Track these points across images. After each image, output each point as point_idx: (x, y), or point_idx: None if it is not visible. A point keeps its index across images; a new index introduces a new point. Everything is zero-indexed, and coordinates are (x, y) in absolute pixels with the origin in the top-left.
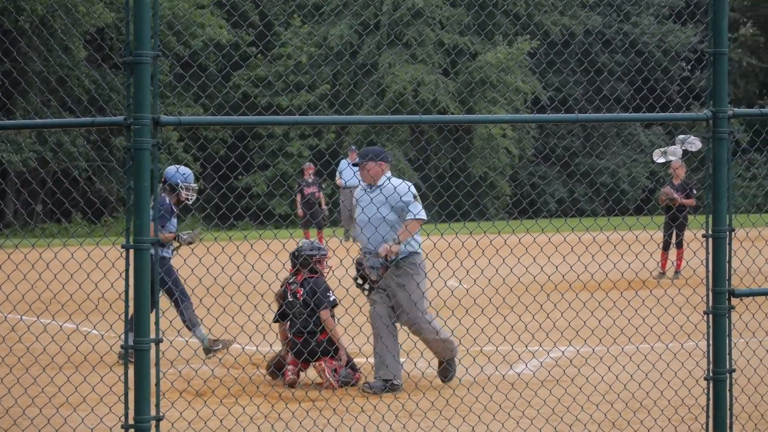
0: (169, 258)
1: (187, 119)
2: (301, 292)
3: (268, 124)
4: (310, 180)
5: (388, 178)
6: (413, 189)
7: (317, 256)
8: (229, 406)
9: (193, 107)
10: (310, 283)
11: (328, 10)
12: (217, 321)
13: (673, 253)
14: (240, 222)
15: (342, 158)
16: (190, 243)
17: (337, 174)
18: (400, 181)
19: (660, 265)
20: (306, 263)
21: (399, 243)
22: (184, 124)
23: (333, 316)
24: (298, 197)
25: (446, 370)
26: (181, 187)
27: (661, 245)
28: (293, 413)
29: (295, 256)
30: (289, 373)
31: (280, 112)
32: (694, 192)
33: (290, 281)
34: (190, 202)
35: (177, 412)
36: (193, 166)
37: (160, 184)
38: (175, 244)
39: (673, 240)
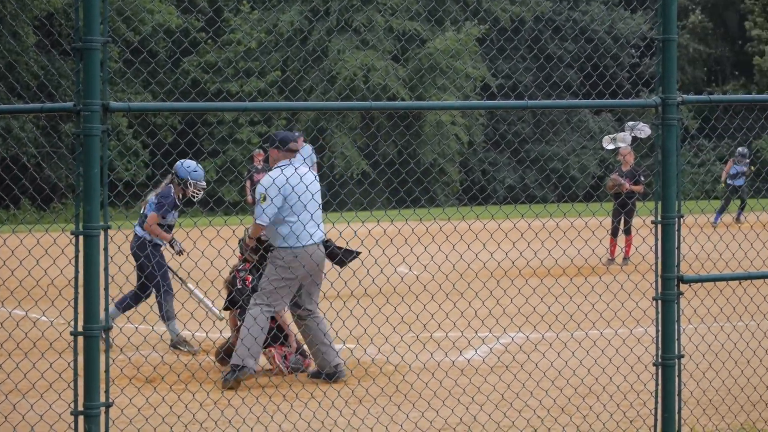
0: (162, 246)
1: (136, 105)
2: (251, 279)
3: (218, 111)
4: (259, 166)
5: (280, 167)
6: (262, 188)
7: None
8: (179, 393)
9: (142, 94)
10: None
11: None
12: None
13: (621, 239)
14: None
15: None
16: (179, 253)
17: None
18: (270, 177)
19: (609, 251)
20: (255, 249)
21: (250, 237)
22: (134, 110)
23: None
24: (248, 184)
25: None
26: (189, 183)
27: (609, 231)
28: (243, 399)
29: (244, 243)
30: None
31: (230, 98)
32: (642, 179)
33: (239, 268)
34: (196, 200)
35: (126, 398)
36: (142, 153)
37: (169, 175)
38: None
39: (622, 226)
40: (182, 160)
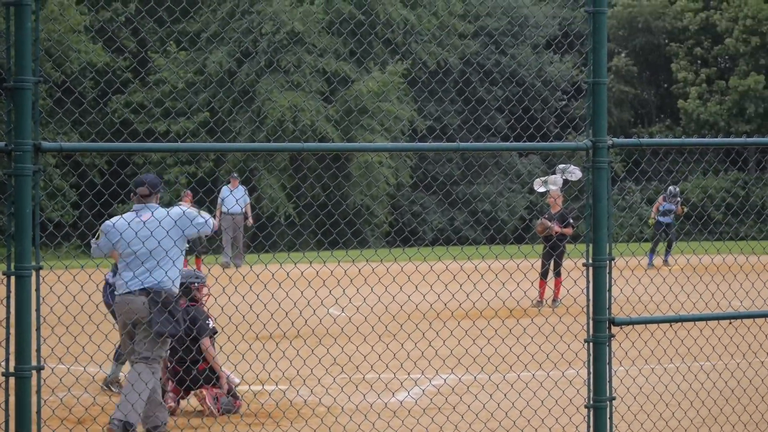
0: None
1: (68, 145)
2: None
3: (148, 151)
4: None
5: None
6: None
7: (197, 284)
8: None
9: (71, 134)
10: (191, 312)
11: (209, 36)
12: (100, 349)
13: (551, 281)
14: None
15: (224, 185)
16: None
17: (219, 201)
18: (110, 221)
19: (539, 293)
20: (187, 291)
21: None
22: (66, 150)
23: (213, 344)
24: None
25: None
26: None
27: (540, 274)
28: None
29: None
30: (170, 400)
31: (161, 138)
32: (572, 221)
33: None
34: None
35: None
36: (72, 194)
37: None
38: None
39: (552, 268)
40: None
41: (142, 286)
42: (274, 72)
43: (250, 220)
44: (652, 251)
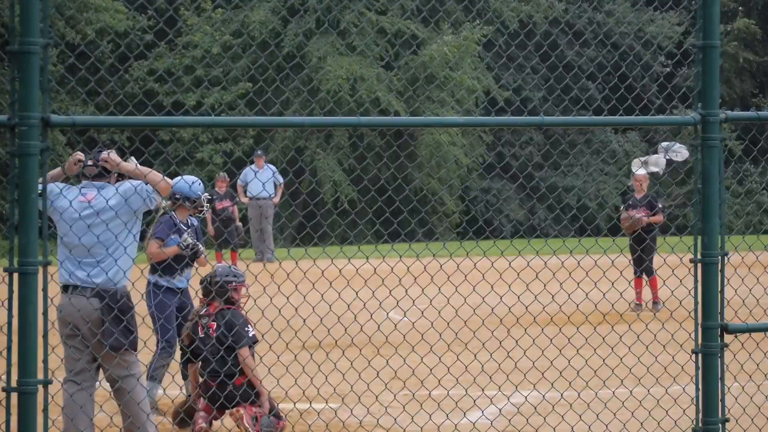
0: (178, 289)
1: (81, 119)
2: (215, 327)
3: (176, 126)
4: (222, 193)
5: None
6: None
7: (234, 284)
8: None
9: (87, 106)
10: (226, 316)
11: None
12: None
13: (647, 281)
14: (141, 243)
15: (248, 167)
16: (191, 250)
17: (238, 184)
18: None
19: (636, 295)
20: (222, 292)
21: None
22: (79, 125)
23: (253, 354)
24: (209, 214)
25: None
26: (193, 200)
27: (636, 273)
28: None
29: (208, 284)
30: (201, 421)
31: (191, 112)
32: (660, 206)
33: (201, 314)
34: (203, 215)
35: None
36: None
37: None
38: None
39: (640, 267)
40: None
41: (93, 284)
42: (325, 33)
43: (277, 199)
44: None
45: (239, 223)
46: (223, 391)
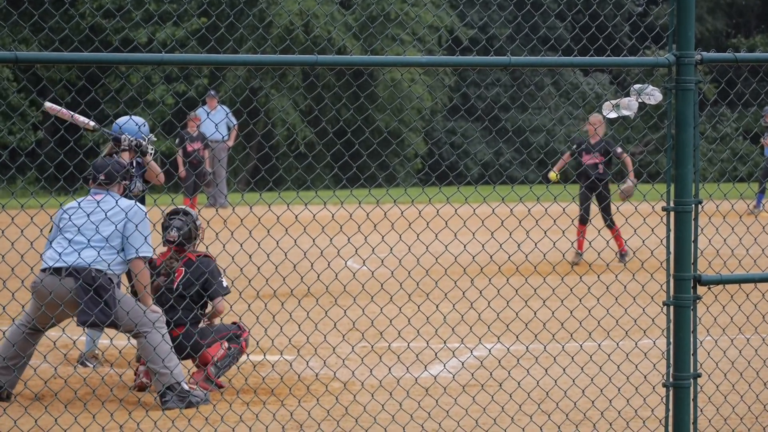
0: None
1: (25, 55)
2: (182, 273)
3: (124, 63)
4: (194, 134)
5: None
6: None
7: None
8: (75, 413)
9: (31, 41)
10: (194, 264)
11: None
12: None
13: (604, 232)
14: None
15: (200, 108)
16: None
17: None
18: None
19: (577, 242)
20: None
21: None
22: (22, 61)
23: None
24: (179, 154)
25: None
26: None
27: (580, 220)
28: (156, 423)
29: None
30: (143, 376)
31: (141, 48)
32: (618, 151)
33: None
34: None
35: (10, 419)
36: (33, 114)
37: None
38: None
39: (593, 218)
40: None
41: (74, 264)
42: None
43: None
44: (762, 192)
45: (209, 168)
46: (188, 341)
